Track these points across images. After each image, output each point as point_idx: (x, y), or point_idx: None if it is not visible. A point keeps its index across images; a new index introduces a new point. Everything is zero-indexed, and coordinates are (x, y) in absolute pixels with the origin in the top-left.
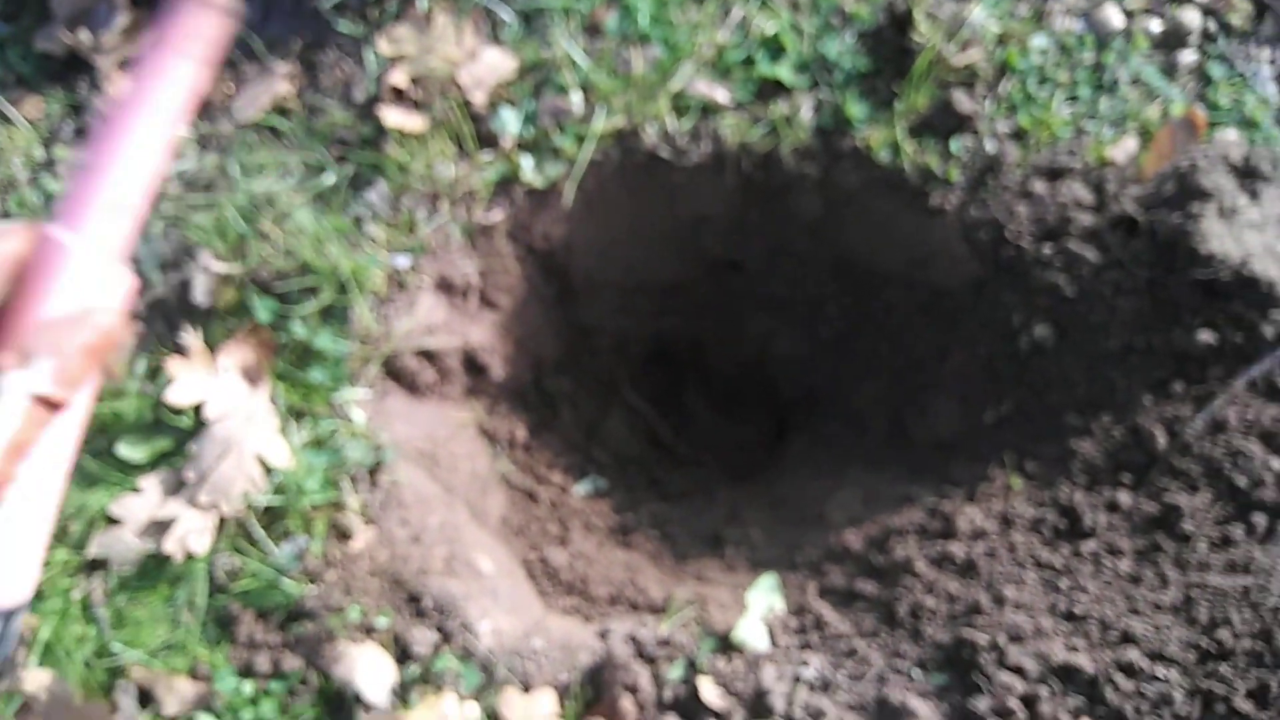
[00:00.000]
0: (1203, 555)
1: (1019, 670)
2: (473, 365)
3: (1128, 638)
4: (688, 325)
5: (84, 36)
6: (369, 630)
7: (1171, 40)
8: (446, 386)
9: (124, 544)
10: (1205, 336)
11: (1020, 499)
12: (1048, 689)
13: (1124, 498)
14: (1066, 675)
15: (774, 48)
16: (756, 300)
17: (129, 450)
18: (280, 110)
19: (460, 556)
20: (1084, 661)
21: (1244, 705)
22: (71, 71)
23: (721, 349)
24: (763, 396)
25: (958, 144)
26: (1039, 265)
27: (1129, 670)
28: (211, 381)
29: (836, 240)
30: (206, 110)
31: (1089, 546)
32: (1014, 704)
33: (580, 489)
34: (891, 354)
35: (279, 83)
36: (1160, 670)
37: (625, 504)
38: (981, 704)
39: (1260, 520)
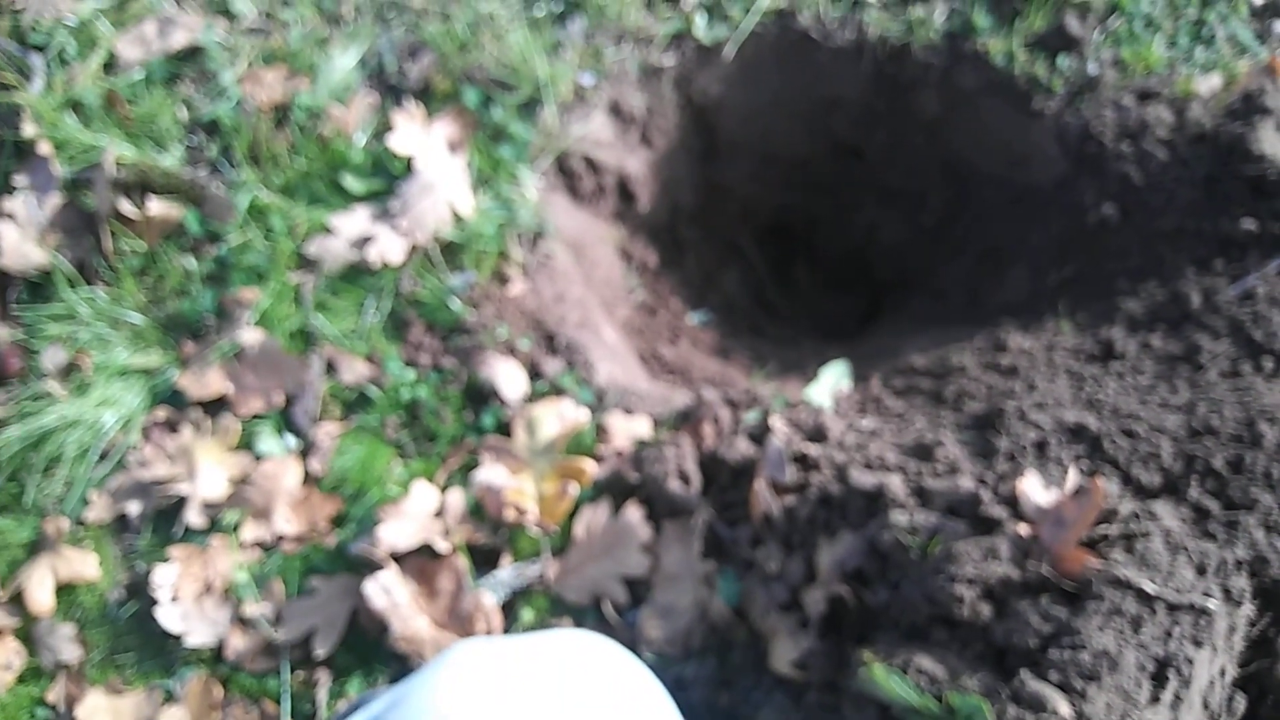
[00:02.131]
0: (1212, 379)
1: (1036, 425)
2: (625, 191)
3: (1133, 417)
4: (807, 202)
5: None
6: (512, 350)
7: (1269, 12)
8: (601, 202)
9: (335, 250)
10: (1248, 225)
11: (1066, 336)
12: (1057, 439)
13: (1155, 340)
14: (1075, 432)
15: None
16: (871, 187)
17: (351, 182)
18: None
19: (590, 324)
20: (1091, 423)
21: (1220, 467)
22: None
23: (833, 228)
24: (863, 277)
25: (1064, 61)
26: (1115, 158)
27: (1129, 434)
28: (424, 140)
29: (949, 140)
30: None
31: (1116, 366)
32: (1026, 444)
33: (693, 317)
34: (979, 239)
35: None
36: (1155, 437)
37: (729, 335)
38: (1001, 443)
39: (1268, 363)
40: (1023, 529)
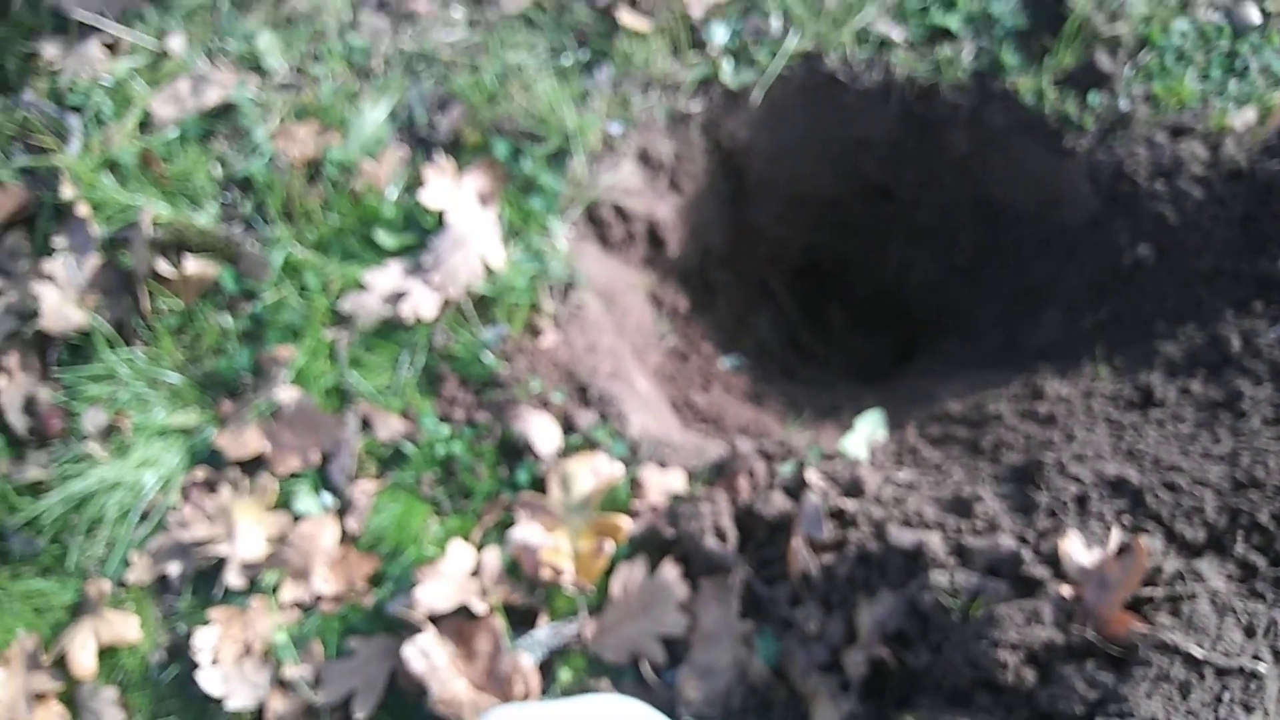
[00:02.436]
0: (1255, 426)
1: (1076, 478)
2: (654, 237)
3: (1175, 469)
4: (837, 242)
5: None
6: (545, 403)
7: None
8: (630, 250)
9: (369, 306)
10: None
11: (1104, 382)
12: (1098, 493)
13: (1195, 385)
14: (1116, 485)
15: (948, 1)
16: (901, 226)
17: (384, 237)
18: (538, 5)
19: (622, 374)
20: (1133, 476)
21: (1266, 521)
22: None
23: (864, 268)
24: (896, 317)
25: (1095, 98)
26: (1150, 198)
27: (1171, 487)
28: (455, 194)
29: (979, 178)
30: (479, 1)
31: (1156, 414)
32: (1067, 498)
33: (725, 362)
34: (1013, 281)
35: None
36: (1198, 490)
37: (761, 380)
38: (1041, 498)
39: None
40: (1066, 590)
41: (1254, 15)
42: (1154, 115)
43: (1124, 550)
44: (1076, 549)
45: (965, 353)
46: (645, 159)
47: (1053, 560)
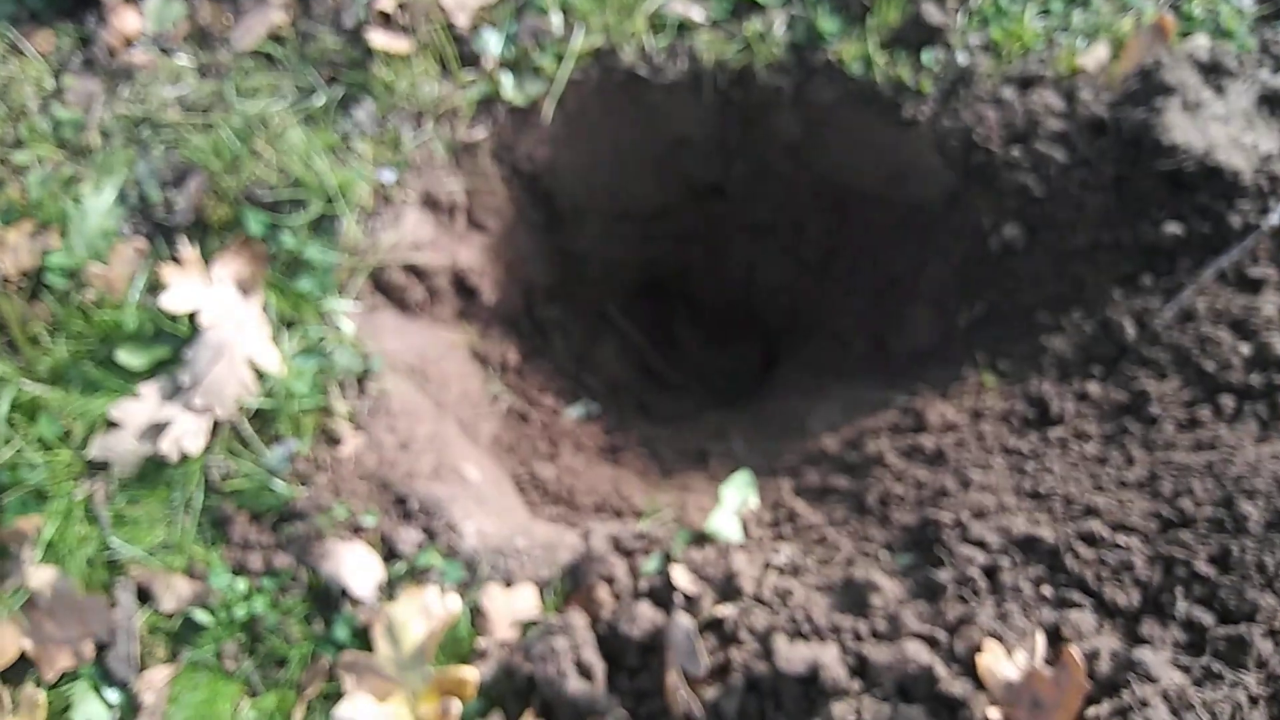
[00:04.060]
0: (1169, 435)
1: (981, 543)
2: (463, 287)
3: (1090, 511)
4: (674, 253)
5: None
6: (356, 529)
7: None
8: (437, 307)
9: (124, 447)
10: (1172, 229)
11: (991, 394)
12: (1009, 559)
13: (1093, 388)
14: (1028, 546)
15: None
16: (740, 226)
17: (128, 357)
18: (275, 38)
19: (447, 464)
20: (1045, 533)
21: (1205, 569)
22: (80, 6)
23: (708, 277)
24: (751, 324)
25: (929, 56)
26: (1008, 167)
27: (1090, 539)
28: (206, 290)
29: (816, 161)
30: (206, 39)
31: (1056, 433)
32: (975, 573)
33: (572, 412)
34: (872, 272)
35: (274, 12)
36: (1122, 539)
37: (615, 426)
38: (944, 575)
39: (1228, 401)
40: (993, 714)
41: None
42: (997, 66)
43: (1057, 664)
44: (998, 662)
45: (831, 360)
46: (432, 204)
47: (971, 668)
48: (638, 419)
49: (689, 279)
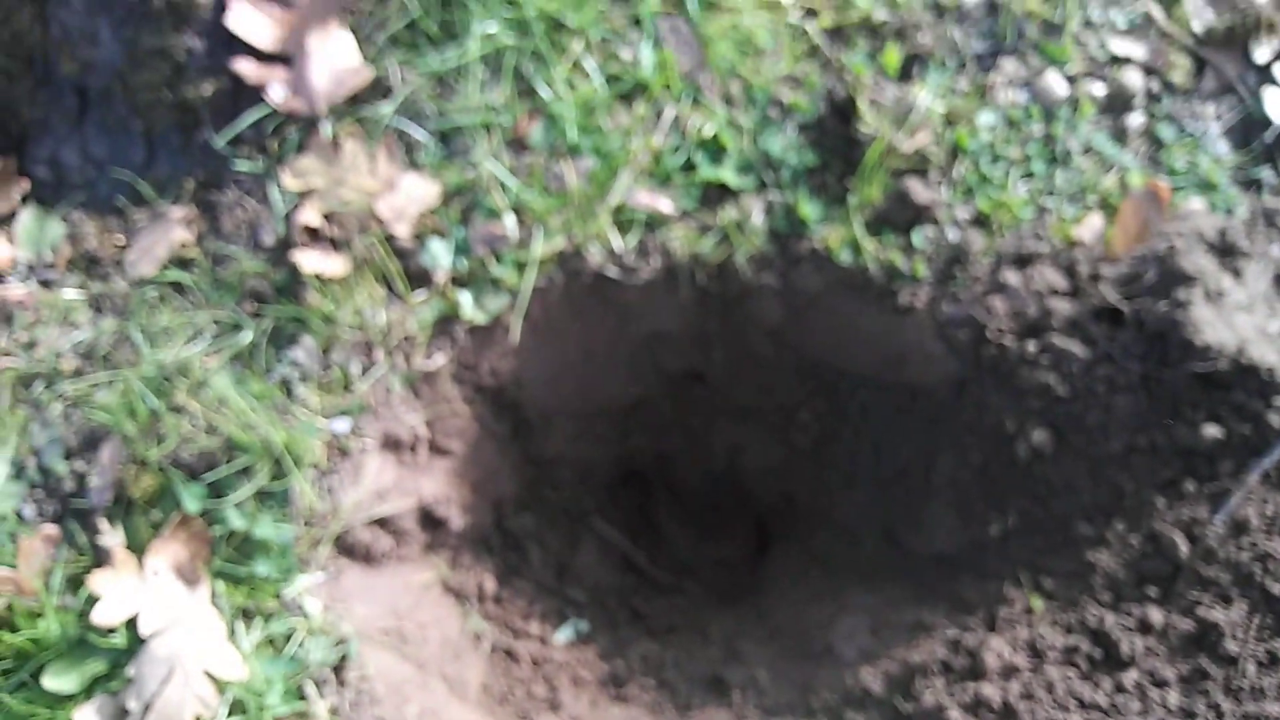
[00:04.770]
0: (1253, 679)
1: None
2: (429, 520)
3: None
4: (653, 444)
5: None
6: None
7: (1117, 103)
8: (404, 549)
9: None
10: (1211, 430)
11: (1045, 624)
12: None
13: (1155, 615)
14: None
15: (714, 148)
16: (722, 411)
17: (56, 681)
18: (180, 262)
19: None
20: None
21: None
22: None
23: (691, 464)
24: (739, 509)
25: (919, 236)
26: (1025, 364)
27: None
28: (142, 589)
29: (802, 345)
30: (96, 266)
31: (1130, 677)
32: None
33: (561, 636)
34: (874, 461)
35: (175, 230)
36: None
37: (612, 648)
38: None
39: None
40: None
41: (1058, 86)
42: (990, 242)
43: None
44: None
45: (840, 555)
46: (394, 445)
47: None
48: (634, 632)
49: (670, 467)
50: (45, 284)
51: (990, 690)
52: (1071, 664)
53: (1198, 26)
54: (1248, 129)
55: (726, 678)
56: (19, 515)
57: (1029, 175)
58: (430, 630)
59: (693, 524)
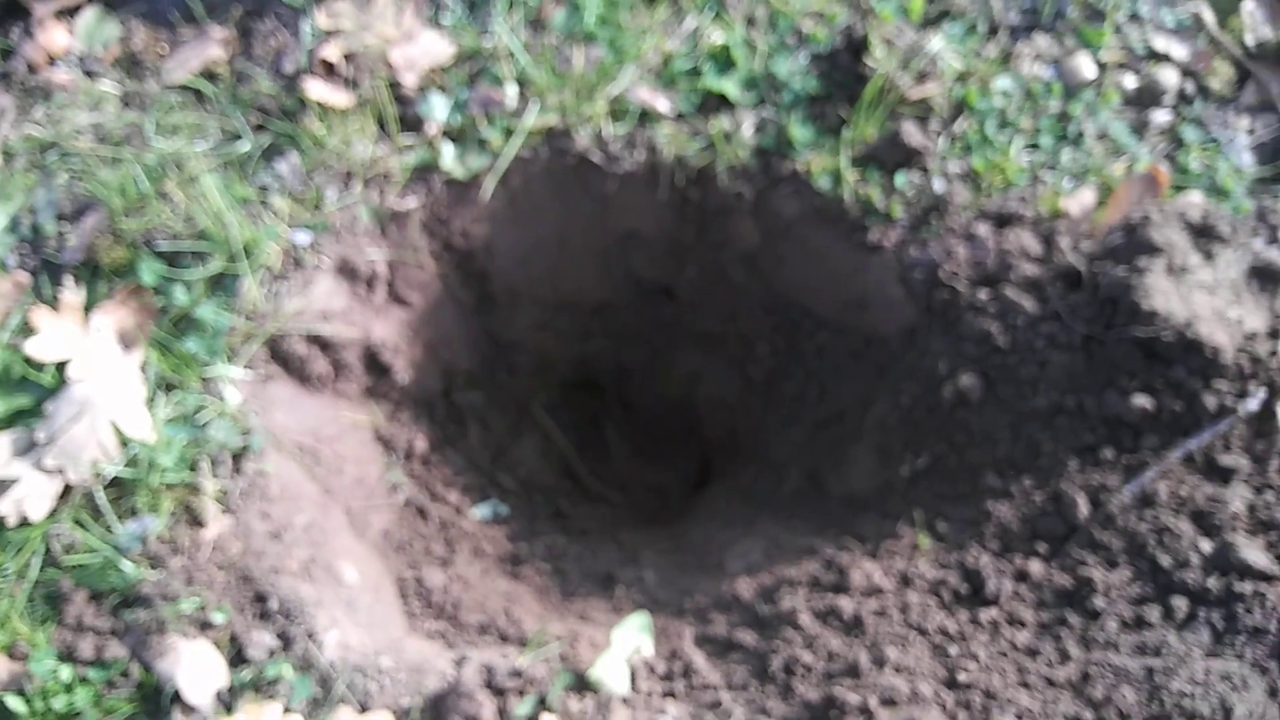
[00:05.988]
0: (1110, 634)
1: None
2: (374, 363)
3: (1013, 707)
4: (613, 353)
5: None
6: (204, 625)
7: (1145, 98)
8: (342, 382)
9: None
10: (1141, 402)
11: (925, 559)
12: None
13: (1035, 567)
14: None
15: (723, 61)
16: (687, 333)
17: None
18: (209, 74)
19: (322, 561)
20: None
21: None
22: (9, 15)
23: (648, 382)
24: (688, 439)
25: (904, 179)
26: (972, 310)
27: None
28: (80, 339)
29: (773, 275)
30: (136, 68)
31: (989, 614)
32: None
33: (478, 512)
34: (817, 401)
35: (212, 47)
36: None
37: (522, 533)
38: None
39: (1181, 604)
40: None
41: (1087, 69)
42: (975, 198)
43: None
44: None
45: (763, 490)
46: (349, 272)
47: None
48: (549, 527)
49: (627, 381)
50: (89, 74)
51: (845, 603)
52: (935, 594)
53: (1250, 39)
54: (1279, 148)
55: (617, 575)
56: (2, 263)
57: (1034, 147)
58: (348, 465)
59: (638, 445)
